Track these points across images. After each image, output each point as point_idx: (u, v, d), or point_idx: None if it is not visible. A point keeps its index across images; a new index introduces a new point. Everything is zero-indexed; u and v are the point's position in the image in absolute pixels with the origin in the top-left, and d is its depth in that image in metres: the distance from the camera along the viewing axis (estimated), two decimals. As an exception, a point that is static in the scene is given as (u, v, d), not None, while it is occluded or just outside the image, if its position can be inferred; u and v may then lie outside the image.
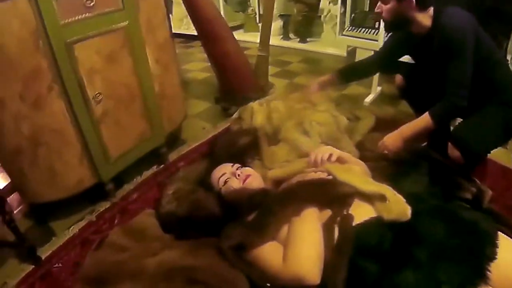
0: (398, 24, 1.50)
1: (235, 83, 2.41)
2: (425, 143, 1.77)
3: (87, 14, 1.37)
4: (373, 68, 1.96)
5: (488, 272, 0.87)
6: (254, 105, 1.90)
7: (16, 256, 1.41)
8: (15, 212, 1.61)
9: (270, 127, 1.72)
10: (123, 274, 1.12)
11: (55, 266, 1.36)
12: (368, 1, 2.92)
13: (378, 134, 1.73)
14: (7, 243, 1.40)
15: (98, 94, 1.46)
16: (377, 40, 2.48)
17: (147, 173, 1.87)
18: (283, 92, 2.68)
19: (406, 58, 1.94)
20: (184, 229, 1.27)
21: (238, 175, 1.28)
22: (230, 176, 1.29)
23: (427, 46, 1.50)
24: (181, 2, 2.31)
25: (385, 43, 1.89)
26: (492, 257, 0.89)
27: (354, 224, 1.01)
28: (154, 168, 1.90)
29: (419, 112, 1.81)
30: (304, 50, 3.94)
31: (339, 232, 1.01)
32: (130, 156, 1.73)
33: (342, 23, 2.95)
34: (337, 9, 3.07)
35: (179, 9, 4.31)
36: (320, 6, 3.87)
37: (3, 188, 1.59)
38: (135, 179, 1.82)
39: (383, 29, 2.61)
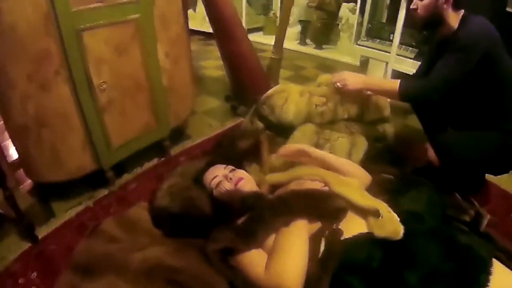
0: (432, 22, 1.48)
1: (246, 84, 2.40)
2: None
3: (99, 4, 1.39)
4: None
5: None
6: (293, 90, 1.81)
7: (17, 233, 1.44)
8: (21, 187, 1.68)
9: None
10: (110, 266, 1.12)
11: (50, 247, 1.38)
12: (386, 13, 2.89)
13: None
14: (8, 218, 1.43)
15: (103, 83, 1.47)
16: (389, 52, 2.46)
17: (148, 165, 1.87)
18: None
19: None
20: (174, 226, 1.26)
21: (230, 178, 1.26)
22: (222, 179, 1.27)
23: (443, 51, 1.46)
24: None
25: (419, 66, 1.80)
26: (485, 284, 0.86)
27: (343, 238, 0.99)
28: (156, 161, 1.91)
29: (427, 130, 1.79)
30: (320, 56, 3.94)
31: (325, 246, 1.00)
32: (133, 146, 1.74)
33: (358, 32, 2.94)
34: (355, 18, 3.06)
35: (203, 7, 4.35)
36: (340, 14, 3.86)
37: (11, 162, 1.63)
38: (135, 170, 1.83)
39: (397, 41, 2.59)
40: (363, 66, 3.26)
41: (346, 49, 3.74)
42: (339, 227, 1.04)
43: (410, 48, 2.76)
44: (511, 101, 1.45)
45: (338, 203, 1.07)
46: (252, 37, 3.53)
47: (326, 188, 1.14)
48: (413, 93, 1.52)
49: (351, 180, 1.17)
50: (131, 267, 1.09)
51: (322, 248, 1.00)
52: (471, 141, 1.44)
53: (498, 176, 1.62)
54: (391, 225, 0.98)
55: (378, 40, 2.65)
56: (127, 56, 1.54)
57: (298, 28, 4.24)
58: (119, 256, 1.15)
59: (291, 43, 4.04)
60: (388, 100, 1.79)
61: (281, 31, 2.48)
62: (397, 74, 2.71)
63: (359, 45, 2.70)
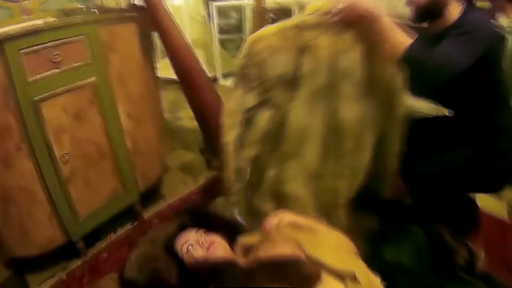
0: (431, 12, 1.31)
1: (215, 134, 2.35)
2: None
3: (54, 69, 1.36)
4: None
5: None
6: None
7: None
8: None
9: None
10: None
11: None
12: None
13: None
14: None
15: (65, 155, 1.43)
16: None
17: (121, 230, 1.81)
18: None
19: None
20: None
21: (202, 242, 1.20)
22: (193, 243, 1.20)
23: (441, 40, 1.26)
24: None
25: None
26: None
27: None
28: (129, 225, 1.84)
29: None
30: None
31: None
32: (101, 215, 1.67)
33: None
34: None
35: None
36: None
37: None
38: (109, 236, 1.77)
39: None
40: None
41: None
42: None
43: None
44: (502, 119, 1.30)
45: (310, 269, 0.98)
46: (228, 81, 3.52)
47: (299, 251, 1.05)
48: (417, 61, 1.19)
49: (327, 238, 1.09)
50: None
51: None
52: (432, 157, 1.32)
53: (491, 203, 1.57)
54: (370, 288, 0.89)
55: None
56: (87, 122, 1.50)
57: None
58: None
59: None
60: None
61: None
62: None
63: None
